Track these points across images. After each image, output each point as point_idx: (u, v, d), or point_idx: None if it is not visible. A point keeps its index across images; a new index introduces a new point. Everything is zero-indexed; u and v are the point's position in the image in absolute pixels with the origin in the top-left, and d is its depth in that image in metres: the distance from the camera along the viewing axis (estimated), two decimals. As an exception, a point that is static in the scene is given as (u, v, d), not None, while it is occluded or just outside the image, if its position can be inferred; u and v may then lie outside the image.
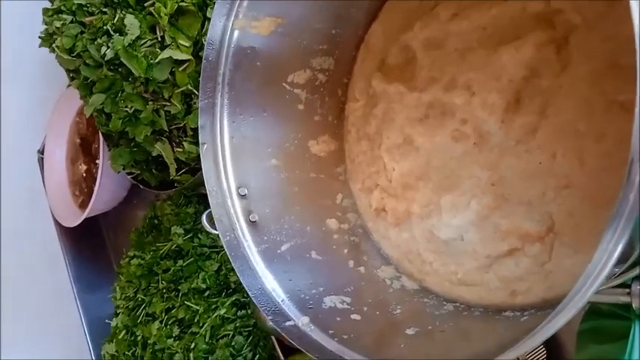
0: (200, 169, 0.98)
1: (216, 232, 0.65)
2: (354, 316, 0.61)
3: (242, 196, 0.66)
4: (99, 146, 1.12)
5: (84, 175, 1.30)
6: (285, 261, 0.65)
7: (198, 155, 0.97)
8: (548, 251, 0.58)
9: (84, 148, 1.30)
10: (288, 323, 0.59)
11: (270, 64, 0.67)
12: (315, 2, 0.66)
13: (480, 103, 0.62)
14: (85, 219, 1.15)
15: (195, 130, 0.92)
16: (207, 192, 0.65)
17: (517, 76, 0.59)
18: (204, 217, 0.66)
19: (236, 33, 0.64)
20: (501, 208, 0.61)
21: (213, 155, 0.65)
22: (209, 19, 0.85)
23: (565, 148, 0.57)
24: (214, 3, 0.86)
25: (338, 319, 0.61)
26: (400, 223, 0.70)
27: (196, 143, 0.94)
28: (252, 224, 0.65)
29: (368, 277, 0.68)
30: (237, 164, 0.66)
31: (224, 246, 0.63)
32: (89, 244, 1.32)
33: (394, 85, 0.68)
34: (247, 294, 1.00)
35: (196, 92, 0.87)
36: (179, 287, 1.01)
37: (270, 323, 0.72)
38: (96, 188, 1.11)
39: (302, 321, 0.59)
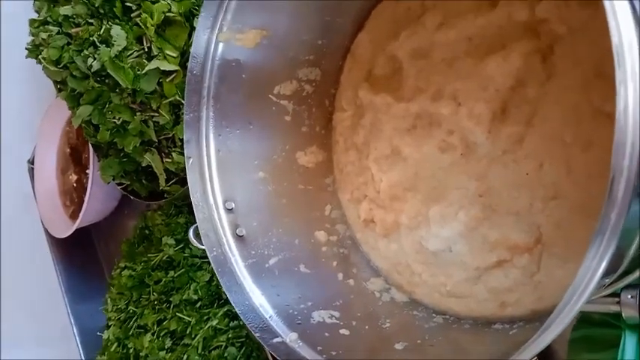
0: (189, 179, 0.99)
1: (203, 247, 0.64)
2: (342, 331, 0.61)
3: (229, 210, 0.66)
4: (89, 156, 1.11)
5: (74, 185, 1.29)
6: (273, 275, 0.64)
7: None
8: (536, 262, 0.58)
9: (74, 158, 1.29)
10: (275, 340, 0.58)
11: (255, 76, 0.67)
12: (301, 13, 0.66)
13: (466, 113, 0.61)
14: (76, 229, 1.14)
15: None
16: (194, 206, 0.64)
17: (504, 85, 0.59)
18: (190, 232, 0.65)
19: (220, 46, 0.64)
20: (490, 219, 0.61)
21: (199, 169, 0.65)
22: (195, 29, 0.85)
23: (552, 158, 0.57)
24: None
25: (326, 334, 0.60)
26: (389, 234, 0.69)
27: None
28: (239, 238, 0.65)
29: (357, 289, 0.68)
30: (224, 178, 0.66)
31: (211, 262, 0.62)
32: (80, 255, 1.31)
33: (381, 96, 0.68)
34: (239, 306, 1.01)
35: (184, 102, 0.87)
36: (170, 299, 1.00)
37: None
38: (86, 198, 1.11)
39: (290, 337, 0.59)
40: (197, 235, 0.65)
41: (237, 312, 0.60)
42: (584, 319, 0.61)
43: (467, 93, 0.62)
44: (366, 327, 0.62)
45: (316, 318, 0.62)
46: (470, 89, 0.61)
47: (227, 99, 0.66)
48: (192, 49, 0.63)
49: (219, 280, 0.61)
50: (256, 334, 0.58)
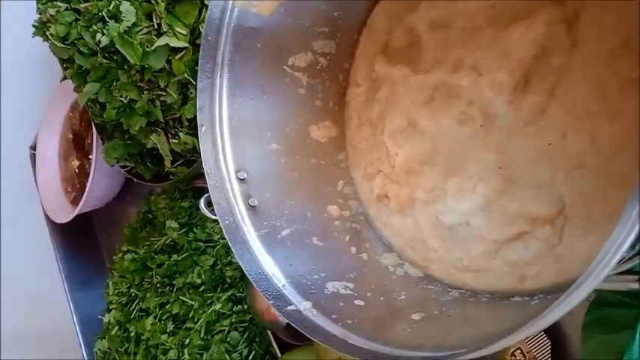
0: (195, 160, 0.97)
1: (215, 217, 0.62)
2: (357, 302, 0.58)
3: (241, 180, 0.63)
4: (92, 141, 1.08)
5: (76, 171, 1.27)
6: (286, 246, 0.62)
7: (194, 147, 0.95)
8: (558, 234, 0.55)
9: (76, 144, 1.27)
10: (289, 307, 0.56)
11: (270, 45, 0.65)
12: (318, -19, 0.64)
13: (487, 83, 0.59)
14: (77, 216, 1.12)
15: (191, 121, 0.90)
16: (205, 174, 0.62)
17: (527, 54, 0.57)
18: (202, 201, 0.63)
19: (236, 12, 0.61)
20: (509, 192, 0.59)
21: (211, 137, 0.62)
22: (207, 6, 0.82)
23: (576, 128, 0.55)
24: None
25: (341, 304, 0.57)
26: (403, 210, 0.67)
27: (193, 134, 0.92)
28: (251, 209, 0.62)
29: (370, 263, 0.65)
30: (237, 147, 0.63)
31: (223, 230, 0.60)
32: (81, 242, 1.28)
33: (398, 68, 0.65)
34: (243, 289, 0.99)
35: (193, 82, 0.84)
36: (174, 282, 0.98)
37: (268, 317, 0.69)
38: (89, 183, 1.08)
39: (304, 306, 0.56)
40: (209, 205, 0.62)
41: (250, 279, 0.57)
42: (597, 302, 0.58)
43: (488, 63, 0.60)
44: (381, 298, 0.59)
45: (330, 288, 0.59)
46: (491, 59, 0.59)
47: (241, 67, 0.63)
48: (207, 14, 0.61)
49: (232, 248, 0.59)
50: (270, 302, 0.56)
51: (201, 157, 0.62)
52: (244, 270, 0.58)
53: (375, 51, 0.69)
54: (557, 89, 0.56)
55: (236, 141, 0.63)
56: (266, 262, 0.59)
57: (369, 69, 0.70)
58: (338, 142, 0.72)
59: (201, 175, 1.00)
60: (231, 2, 0.61)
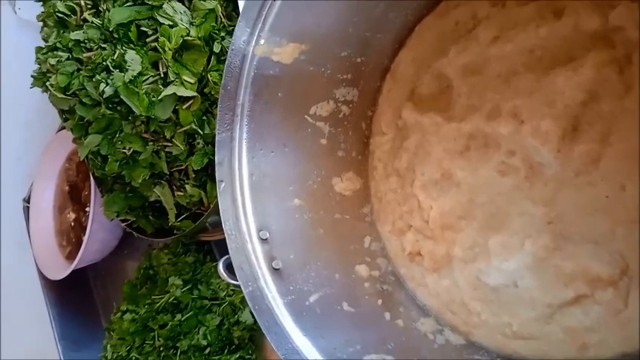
0: (201, 214, 0.90)
1: (237, 282, 0.54)
2: (400, 377, 0.50)
3: (263, 240, 0.56)
4: (89, 193, 1.01)
5: (72, 224, 1.18)
6: (315, 314, 0.54)
7: (201, 199, 0.88)
8: (623, 297, 0.49)
9: (73, 196, 1.19)
10: (329, 388, 0.48)
11: (292, 94, 0.59)
12: (340, 26, 0.58)
13: (530, 131, 0.53)
14: (72, 271, 1.03)
15: (198, 172, 0.84)
16: (226, 235, 0.54)
17: (574, 100, 0.51)
18: (220, 264, 0.55)
19: (257, 60, 0.55)
20: (562, 249, 0.52)
21: (231, 194, 0.55)
22: (216, 54, 0.77)
23: (635, 178, 0.48)
24: (221, 37, 0.78)
25: (383, 381, 0.50)
26: (439, 268, 0.60)
27: (199, 186, 0.86)
28: (275, 272, 0.55)
29: (408, 331, 0.58)
30: (257, 204, 0.56)
31: (247, 298, 0.52)
32: (76, 298, 1.19)
33: (429, 116, 0.60)
34: (252, 350, 0.90)
35: (200, 131, 0.78)
36: (177, 344, 0.90)
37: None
38: (85, 237, 1.00)
39: (344, 385, 0.48)
40: (229, 268, 0.55)
41: (279, 355, 0.49)
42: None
43: (530, 110, 0.54)
44: (426, 372, 0.51)
45: (369, 363, 0.52)
46: (533, 106, 0.54)
47: (262, 118, 0.57)
48: (226, 63, 0.55)
49: (257, 320, 0.51)
50: (306, 383, 0.48)
51: (221, 216, 0.55)
52: (273, 345, 0.50)
53: (401, 98, 0.63)
54: (612, 137, 0.51)
55: (257, 198, 0.57)
56: (296, 335, 0.51)
57: (395, 116, 0.64)
58: (362, 194, 0.66)
59: (206, 229, 0.93)
60: (251, 50, 0.54)
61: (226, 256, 0.55)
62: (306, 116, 0.61)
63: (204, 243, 0.98)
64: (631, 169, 0.49)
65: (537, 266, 0.53)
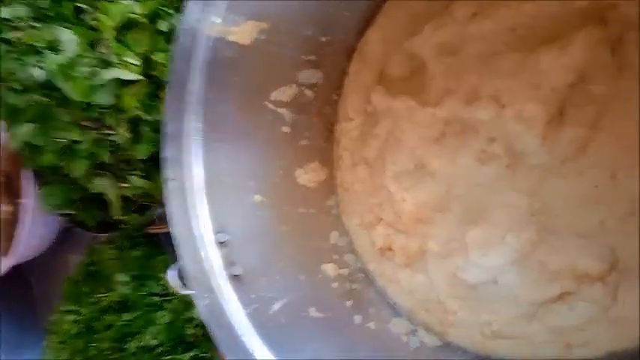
0: (149, 206, 0.82)
1: (189, 293, 0.47)
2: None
3: (221, 244, 0.50)
4: (23, 183, 0.91)
5: (5, 217, 1.07)
6: (280, 325, 0.49)
7: (148, 191, 0.80)
8: (611, 293, 0.45)
9: (7, 187, 1.07)
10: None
11: (251, 78, 0.52)
12: (304, 2, 0.51)
13: (513, 116, 0.49)
14: (10, 267, 0.95)
15: (145, 162, 0.76)
16: (175, 242, 0.47)
17: (562, 82, 0.47)
18: (170, 274, 0.48)
19: (211, 41, 0.47)
20: (547, 243, 0.48)
21: (182, 194, 0.48)
22: (163, 33, 0.69)
23: (628, 166, 0.45)
24: (169, 14, 0.70)
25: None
26: (412, 264, 0.55)
27: (147, 177, 0.78)
28: (235, 279, 0.49)
29: (380, 334, 0.53)
30: (214, 204, 0.50)
31: (202, 313, 0.45)
32: (12, 297, 1.09)
33: (401, 100, 0.54)
34: (208, 348, 0.84)
35: (146, 117, 0.70)
36: (126, 346, 0.83)
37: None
38: (19, 233, 0.90)
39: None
40: (181, 278, 0.48)
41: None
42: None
43: (512, 93, 0.49)
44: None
45: (343, 376, 0.46)
46: (516, 88, 0.49)
47: (217, 106, 0.50)
48: (175, 44, 0.47)
49: (215, 337, 0.45)
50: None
51: (169, 219, 0.47)
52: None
53: (370, 80, 0.57)
54: (602, 121, 0.47)
55: (213, 196, 0.50)
56: (260, 351, 0.45)
57: (363, 101, 0.58)
58: (327, 185, 0.60)
59: (154, 221, 0.86)
60: (205, 29, 0.47)
61: (175, 264, 0.48)
62: (266, 102, 0.55)
63: (152, 235, 0.91)
64: (623, 156, 0.45)
65: (520, 261, 0.49)
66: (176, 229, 0.49)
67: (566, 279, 0.47)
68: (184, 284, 0.49)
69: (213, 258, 0.49)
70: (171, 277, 0.50)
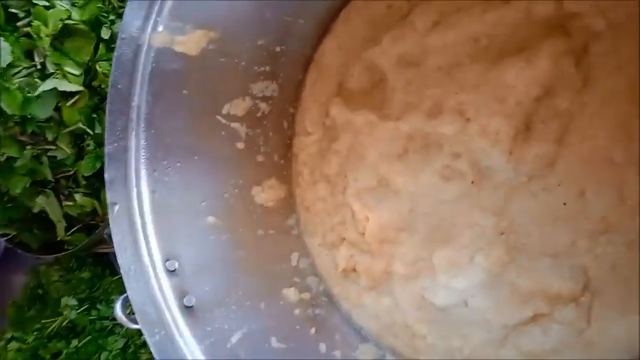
0: (97, 225, 0.77)
1: (137, 327, 0.43)
2: None
3: (171, 272, 0.46)
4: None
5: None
6: (239, 359, 0.44)
7: (94, 209, 0.75)
8: (585, 315, 0.44)
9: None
10: None
11: (200, 91, 0.48)
12: (256, 9, 0.48)
13: (478, 130, 0.47)
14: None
15: (89, 179, 0.71)
16: (122, 271, 0.43)
17: (528, 96, 0.45)
18: (118, 306, 0.45)
19: (154, 51, 0.44)
20: (518, 263, 0.46)
21: (128, 219, 0.44)
22: (105, 41, 0.65)
23: (597, 183, 0.43)
24: (111, 21, 0.66)
25: None
26: (377, 286, 0.52)
27: (91, 195, 0.73)
28: (188, 311, 0.45)
29: (347, 363, 0.49)
30: (163, 228, 0.46)
31: (153, 350, 0.41)
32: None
33: (361, 113, 0.51)
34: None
35: (90, 131, 0.65)
36: (75, 375, 0.77)
37: None
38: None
39: None
40: (128, 310, 0.44)
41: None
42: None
43: (477, 106, 0.47)
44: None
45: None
46: (481, 102, 0.47)
47: (164, 122, 0.46)
48: (115, 54, 0.43)
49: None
50: None
51: (115, 248, 0.43)
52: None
53: (328, 92, 0.54)
54: (568, 136, 0.45)
55: (161, 220, 0.46)
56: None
57: (321, 114, 0.55)
58: (286, 204, 0.56)
59: (103, 240, 0.80)
60: (147, 38, 0.43)
61: (124, 296, 0.44)
62: (218, 117, 0.51)
63: (102, 255, 0.86)
64: (591, 172, 0.43)
65: (490, 283, 0.47)
66: (122, 257, 0.44)
67: (538, 300, 0.45)
68: (133, 318, 0.45)
69: (163, 288, 0.45)
70: (118, 310, 0.45)
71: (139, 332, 0.79)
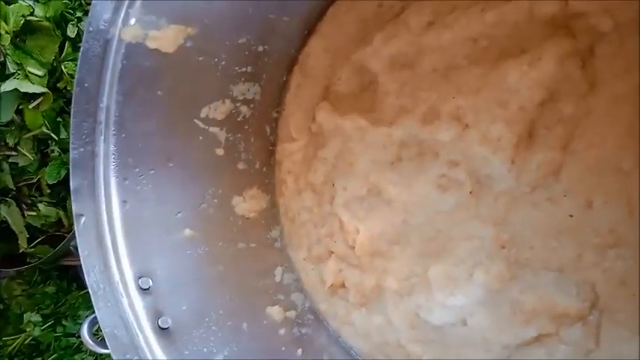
0: (62, 237, 0.71)
1: (107, 352, 0.38)
2: None
3: (145, 291, 0.41)
4: None
5: None
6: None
7: (60, 220, 0.70)
8: (594, 335, 0.40)
9: None
10: None
11: (176, 92, 0.44)
12: (237, 5, 0.44)
13: (478, 137, 0.43)
14: None
15: (54, 187, 0.67)
16: (90, 290, 0.38)
17: (532, 101, 0.41)
18: (84, 328, 0.40)
19: (125, 47, 0.39)
20: (520, 279, 0.43)
21: (96, 232, 0.39)
22: (71, 39, 0.60)
23: (605, 193, 0.40)
24: (77, 18, 0.61)
25: None
26: (368, 303, 0.48)
27: (56, 204, 0.69)
28: (163, 333, 0.40)
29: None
30: (135, 242, 0.41)
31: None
32: None
33: (350, 118, 0.48)
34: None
35: (54, 136, 0.61)
36: (39, 397, 0.73)
37: None
38: None
39: None
40: (96, 334, 0.39)
41: None
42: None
43: (476, 112, 0.44)
44: None
45: None
46: (481, 106, 0.43)
47: (135, 126, 0.42)
48: (82, 50, 0.39)
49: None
50: None
51: (82, 265, 0.38)
52: None
53: (314, 96, 0.51)
54: (574, 143, 0.41)
55: (133, 233, 0.41)
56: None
57: (307, 119, 0.51)
58: (269, 214, 0.53)
59: (69, 252, 0.75)
60: (117, 33, 0.38)
61: (92, 316, 0.39)
62: (196, 121, 0.47)
63: (68, 268, 0.81)
64: (598, 181, 0.40)
65: (490, 300, 0.44)
66: (90, 275, 0.40)
67: (542, 319, 0.42)
68: (99, 342, 0.40)
69: (135, 308, 0.40)
70: (85, 333, 0.40)
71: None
